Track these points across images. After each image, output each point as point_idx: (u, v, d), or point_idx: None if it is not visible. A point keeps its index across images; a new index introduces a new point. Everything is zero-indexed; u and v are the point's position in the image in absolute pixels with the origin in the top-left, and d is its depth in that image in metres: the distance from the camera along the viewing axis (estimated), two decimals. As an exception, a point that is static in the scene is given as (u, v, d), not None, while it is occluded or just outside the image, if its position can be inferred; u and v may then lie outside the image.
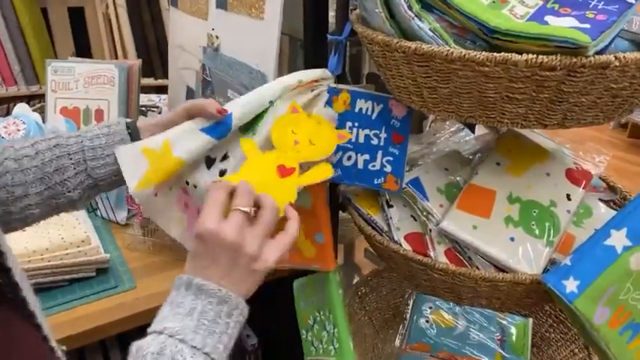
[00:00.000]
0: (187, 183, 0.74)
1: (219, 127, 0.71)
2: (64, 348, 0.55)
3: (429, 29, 0.64)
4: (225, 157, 0.73)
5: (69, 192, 0.68)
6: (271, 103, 0.72)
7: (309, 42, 0.93)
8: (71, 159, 0.68)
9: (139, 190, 0.70)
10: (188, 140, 0.70)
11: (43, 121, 1.27)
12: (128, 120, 0.73)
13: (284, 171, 0.68)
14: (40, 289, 0.94)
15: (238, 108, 0.72)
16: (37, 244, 0.95)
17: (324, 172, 0.70)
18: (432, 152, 0.95)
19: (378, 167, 0.79)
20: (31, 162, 0.66)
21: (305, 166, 0.71)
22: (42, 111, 1.35)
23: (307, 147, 0.72)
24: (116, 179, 0.71)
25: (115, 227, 1.16)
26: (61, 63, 1.31)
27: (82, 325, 0.89)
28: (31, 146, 0.67)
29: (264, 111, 0.73)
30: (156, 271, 1.03)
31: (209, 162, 0.73)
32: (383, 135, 0.79)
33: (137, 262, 1.05)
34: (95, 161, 0.68)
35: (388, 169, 0.79)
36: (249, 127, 0.73)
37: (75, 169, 0.68)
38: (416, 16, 0.64)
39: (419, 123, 1.33)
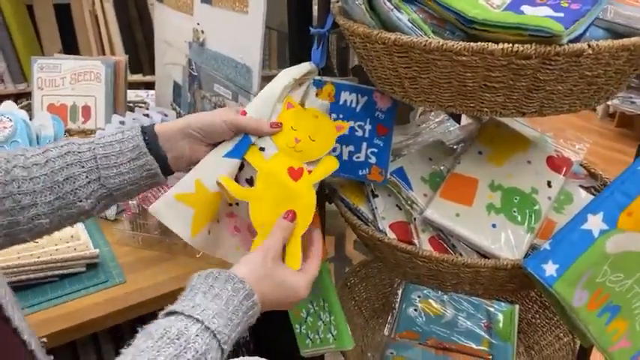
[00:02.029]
0: (230, 204, 0.73)
1: (241, 146, 0.69)
2: (44, 340, 0.56)
3: (408, 20, 0.65)
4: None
5: (80, 201, 0.64)
6: (275, 106, 0.72)
7: (293, 35, 0.94)
8: (83, 167, 0.64)
9: (195, 237, 0.68)
10: (217, 171, 0.68)
11: (30, 119, 1.27)
12: (144, 125, 0.69)
13: (294, 173, 0.69)
14: (30, 285, 0.95)
15: (253, 114, 0.71)
16: (26, 241, 0.95)
17: (331, 165, 0.72)
18: (417, 142, 0.97)
19: (362, 159, 0.80)
20: (41, 170, 0.63)
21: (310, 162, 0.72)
22: (29, 108, 1.35)
23: (309, 144, 0.71)
24: (132, 189, 0.67)
25: (104, 223, 1.16)
26: (46, 60, 1.31)
27: (72, 320, 0.90)
28: (41, 154, 0.64)
29: None
30: (145, 265, 1.04)
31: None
32: (367, 127, 0.80)
33: (127, 256, 1.06)
34: (108, 170, 0.65)
35: (373, 160, 0.80)
36: None
37: (87, 177, 0.64)
38: (395, 7, 0.65)
39: (405, 114, 1.34)
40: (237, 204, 0.73)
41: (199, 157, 0.69)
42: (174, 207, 0.67)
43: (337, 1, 0.79)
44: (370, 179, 0.82)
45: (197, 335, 0.50)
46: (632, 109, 3.67)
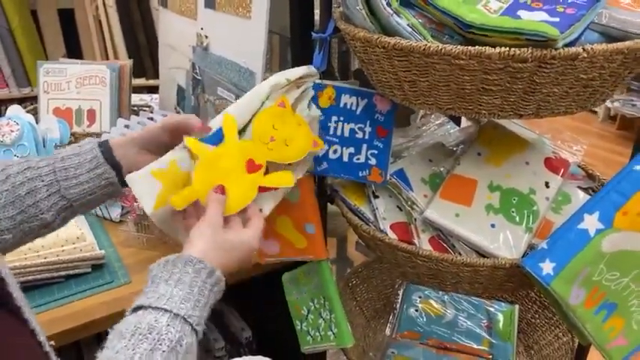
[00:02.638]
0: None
1: (216, 136, 0.71)
2: (52, 343, 0.57)
3: (407, 25, 0.66)
4: None
5: (42, 214, 0.66)
6: (263, 104, 0.74)
7: (296, 40, 0.95)
8: (43, 180, 0.66)
9: (156, 210, 0.70)
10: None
11: (36, 122, 1.29)
12: (99, 139, 0.72)
13: (252, 166, 0.70)
14: (36, 286, 0.97)
15: (234, 115, 0.72)
16: (33, 242, 0.97)
17: (285, 181, 0.72)
18: (417, 144, 0.98)
19: (362, 160, 0.82)
20: (2, 186, 0.65)
21: (271, 166, 0.72)
22: (35, 112, 1.37)
23: (280, 147, 0.72)
24: (91, 199, 0.70)
25: (109, 224, 1.18)
26: (52, 64, 1.33)
27: (78, 320, 0.91)
28: (1, 171, 0.66)
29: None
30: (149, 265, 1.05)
31: None
32: (367, 129, 0.82)
33: (132, 257, 1.07)
34: (68, 181, 0.67)
35: (373, 161, 0.82)
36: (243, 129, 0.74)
37: (47, 190, 0.66)
38: (395, 12, 0.66)
39: (406, 117, 1.36)
40: None
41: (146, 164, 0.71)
42: (146, 180, 0.69)
43: (338, 6, 0.81)
44: (370, 180, 0.83)
45: (168, 325, 0.51)
46: (633, 111, 3.68)
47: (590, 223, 0.67)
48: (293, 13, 0.94)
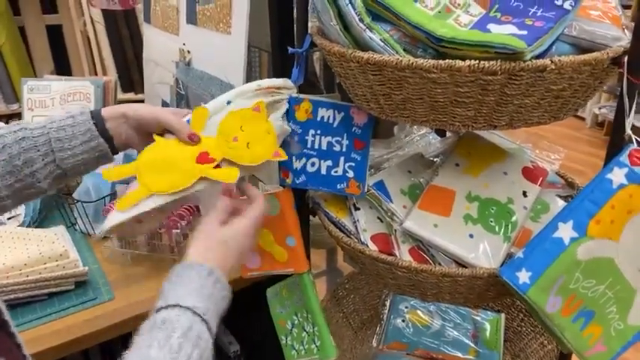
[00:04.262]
0: None
1: None
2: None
3: (380, 40, 0.67)
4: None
5: (39, 183, 0.70)
6: (228, 103, 0.75)
7: (276, 55, 0.96)
8: (39, 151, 0.69)
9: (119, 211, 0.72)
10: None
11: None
12: (92, 109, 0.74)
13: (204, 158, 0.71)
14: (19, 304, 0.96)
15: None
16: (15, 260, 0.97)
17: (229, 176, 0.71)
18: (398, 156, 0.99)
19: (340, 172, 0.83)
20: None
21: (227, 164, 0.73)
22: (20, 129, 1.36)
23: (241, 148, 0.73)
24: (84, 168, 0.74)
25: (93, 241, 1.18)
26: (36, 81, 1.33)
27: (62, 337, 0.91)
28: None
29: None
30: (134, 281, 1.05)
31: None
32: (345, 142, 0.82)
33: (116, 273, 1.07)
34: (63, 152, 0.70)
35: (350, 174, 0.82)
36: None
37: (43, 160, 0.69)
38: (367, 27, 0.67)
39: (390, 128, 1.37)
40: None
41: (132, 142, 0.75)
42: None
43: (315, 22, 0.82)
44: (348, 193, 0.84)
45: (178, 315, 0.55)
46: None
47: (565, 231, 0.67)
48: (273, 29, 0.95)
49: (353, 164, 0.82)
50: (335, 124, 0.82)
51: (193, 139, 0.73)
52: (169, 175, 0.69)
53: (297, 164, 0.81)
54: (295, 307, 0.93)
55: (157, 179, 0.69)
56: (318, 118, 0.81)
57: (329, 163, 0.82)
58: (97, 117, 0.73)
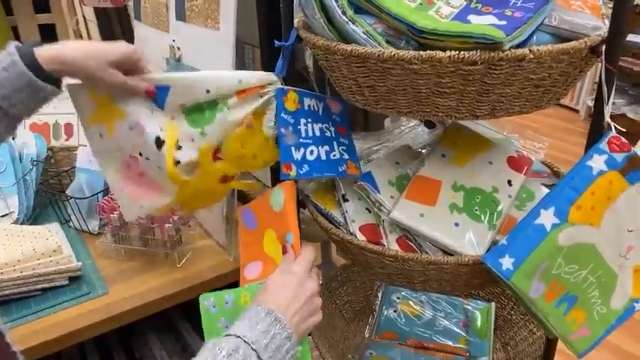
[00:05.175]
0: (140, 154, 0.80)
1: (163, 93, 0.77)
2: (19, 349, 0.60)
3: (363, 32, 0.68)
4: (177, 147, 0.78)
5: None
6: (208, 92, 0.77)
7: (264, 49, 0.97)
8: None
9: (92, 123, 0.80)
10: (129, 95, 0.77)
11: (13, 138, 1.30)
12: (19, 46, 0.69)
13: (225, 179, 0.82)
14: (13, 299, 0.97)
15: (178, 89, 0.77)
16: (9, 257, 0.98)
17: (251, 186, 0.86)
18: (387, 147, 1.00)
19: (338, 156, 0.84)
20: None
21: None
22: (12, 128, 1.37)
23: (250, 161, 0.81)
24: (35, 108, 0.72)
25: (87, 237, 1.19)
26: (28, 80, 1.34)
27: (56, 331, 0.92)
28: None
29: (211, 109, 0.78)
30: (127, 276, 1.06)
31: (158, 143, 0.77)
32: (331, 128, 0.85)
33: (109, 268, 1.08)
34: (13, 108, 0.68)
35: (346, 156, 0.85)
36: (196, 120, 0.79)
37: None
38: (350, 20, 0.69)
39: (380, 120, 1.38)
40: (147, 158, 0.80)
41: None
42: (85, 97, 0.78)
43: (301, 16, 0.83)
44: (350, 174, 0.85)
45: (227, 340, 0.60)
46: (613, 110, 3.74)
47: (547, 218, 0.69)
48: (261, 24, 0.96)
49: (345, 147, 0.84)
50: (320, 113, 0.84)
51: (150, 94, 0.75)
52: (209, 199, 0.85)
53: (298, 155, 0.80)
54: None
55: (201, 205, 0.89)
56: (306, 107, 0.82)
57: (326, 148, 0.83)
58: (26, 58, 0.68)
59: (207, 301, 0.76)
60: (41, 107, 0.73)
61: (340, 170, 0.85)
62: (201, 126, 0.78)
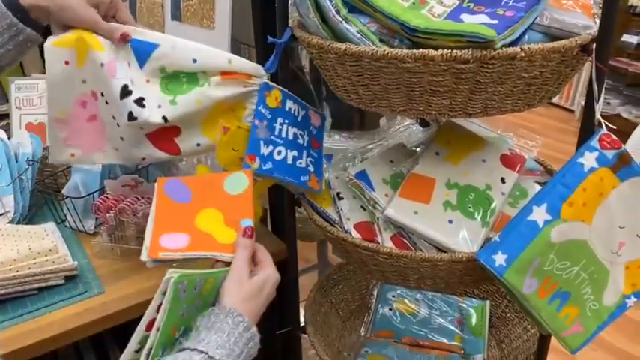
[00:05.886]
0: (102, 94, 0.80)
1: (145, 50, 0.78)
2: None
3: (357, 31, 0.69)
4: (141, 104, 0.78)
5: None
6: (195, 61, 0.78)
7: (259, 49, 0.98)
8: None
9: (54, 46, 0.77)
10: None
11: (9, 138, 1.29)
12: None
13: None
14: (9, 299, 0.97)
15: (166, 49, 0.78)
16: (5, 256, 0.98)
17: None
18: (381, 146, 1.01)
19: (304, 165, 0.84)
20: None
21: None
22: (8, 128, 1.37)
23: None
24: (17, 56, 0.76)
25: (83, 236, 1.18)
26: (23, 80, 1.34)
27: (52, 330, 0.92)
28: None
29: (191, 82, 0.79)
30: (123, 275, 1.06)
31: (124, 92, 0.77)
32: (306, 137, 0.85)
33: (105, 268, 1.08)
34: None
35: (311, 168, 0.85)
36: (171, 89, 0.79)
37: None
38: (344, 19, 0.69)
39: (376, 120, 1.39)
40: (106, 102, 0.80)
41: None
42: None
43: (296, 15, 0.83)
44: (309, 186, 0.85)
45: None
46: (608, 110, 3.76)
47: (539, 214, 0.69)
48: (256, 24, 0.96)
49: (312, 160, 0.85)
50: (299, 119, 0.84)
51: (125, 39, 0.77)
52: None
53: (265, 150, 0.80)
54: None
55: None
56: (286, 108, 0.82)
57: (294, 153, 0.83)
58: (16, 10, 0.73)
59: (181, 284, 0.65)
60: (23, 56, 0.76)
61: (302, 180, 0.85)
62: (174, 94, 0.78)
